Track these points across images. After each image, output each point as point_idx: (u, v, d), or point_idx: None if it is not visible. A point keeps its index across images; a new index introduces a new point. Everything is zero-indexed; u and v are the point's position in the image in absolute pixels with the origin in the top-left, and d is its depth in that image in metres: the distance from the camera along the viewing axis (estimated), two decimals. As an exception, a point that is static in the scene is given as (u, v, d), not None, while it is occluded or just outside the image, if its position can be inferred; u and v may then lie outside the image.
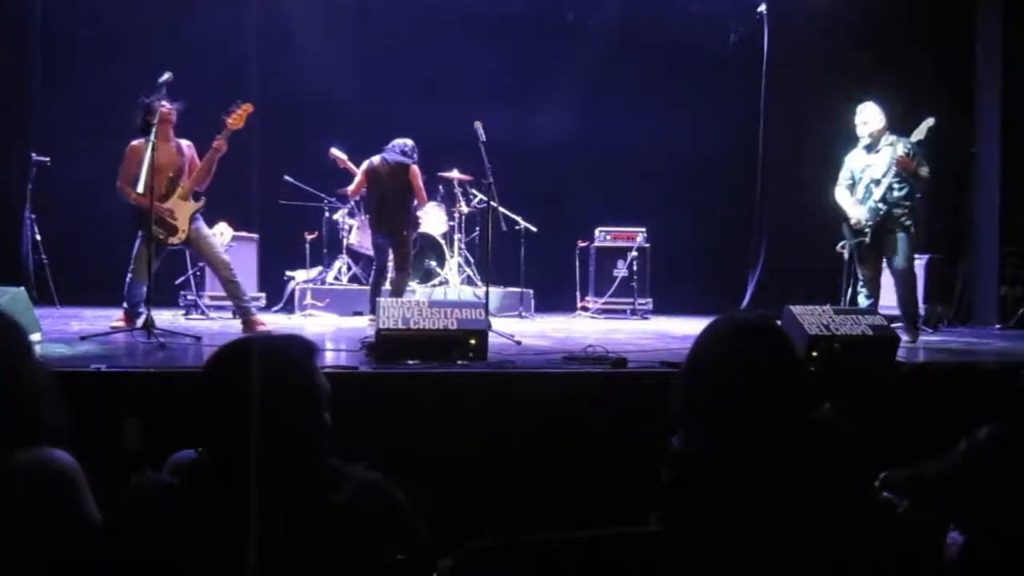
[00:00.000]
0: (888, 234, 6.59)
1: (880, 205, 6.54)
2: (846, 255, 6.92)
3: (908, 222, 6.58)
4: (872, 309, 5.99)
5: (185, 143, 6.28)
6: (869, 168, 6.66)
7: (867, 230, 6.62)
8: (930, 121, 6.56)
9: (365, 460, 2.01)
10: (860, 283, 6.83)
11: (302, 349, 2.03)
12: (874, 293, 6.75)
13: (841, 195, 6.83)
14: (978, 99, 9.10)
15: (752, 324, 1.98)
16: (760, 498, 1.78)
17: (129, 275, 6.04)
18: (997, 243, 8.84)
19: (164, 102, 6.06)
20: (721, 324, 2.00)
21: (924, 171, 6.53)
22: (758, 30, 9.63)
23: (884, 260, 6.78)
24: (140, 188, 5.72)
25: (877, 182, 6.57)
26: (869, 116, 6.69)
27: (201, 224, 6.23)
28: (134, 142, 6.15)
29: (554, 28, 10.18)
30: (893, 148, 6.53)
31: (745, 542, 1.75)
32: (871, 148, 6.69)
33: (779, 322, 4.72)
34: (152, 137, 5.65)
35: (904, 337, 6.45)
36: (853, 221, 6.67)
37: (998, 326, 8.50)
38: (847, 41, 9.22)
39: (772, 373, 1.89)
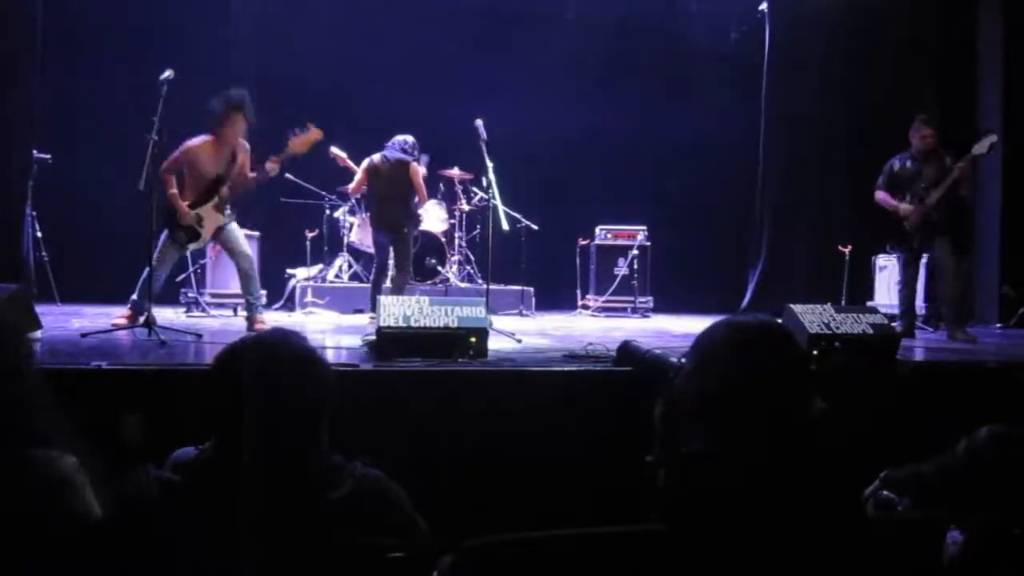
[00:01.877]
0: (935, 238, 6.85)
1: (933, 212, 6.76)
2: (896, 260, 7.14)
3: (953, 227, 6.87)
4: (874, 308, 6.00)
5: (242, 145, 6.18)
6: (917, 176, 6.91)
7: (916, 235, 6.87)
8: (992, 137, 6.85)
9: (365, 457, 2.01)
10: (903, 285, 7.07)
11: (304, 347, 2.04)
12: (912, 295, 7.03)
13: (884, 197, 7.05)
14: (979, 97, 9.10)
15: (758, 328, 1.97)
16: (755, 497, 1.78)
17: (149, 268, 5.99)
18: (998, 242, 8.84)
19: (239, 117, 5.98)
20: (725, 327, 1.99)
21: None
22: (759, 28, 9.62)
23: (928, 262, 7.15)
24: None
25: (927, 189, 6.80)
26: (926, 129, 6.94)
27: (228, 227, 6.25)
28: (195, 141, 6.07)
29: (555, 25, 10.18)
30: (942, 159, 6.83)
31: (741, 541, 1.75)
32: (919, 158, 6.93)
33: (779, 320, 4.74)
34: (154, 135, 5.63)
35: (961, 336, 6.64)
36: (907, 225, 6.87)
37: (999, 325, 8.50)
38: (848, 39, 9.21)
39: (778, 377, 1.89)
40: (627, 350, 4.03)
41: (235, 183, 6.12)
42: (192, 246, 6.21)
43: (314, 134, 6.15)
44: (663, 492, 1.86)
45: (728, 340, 1.94)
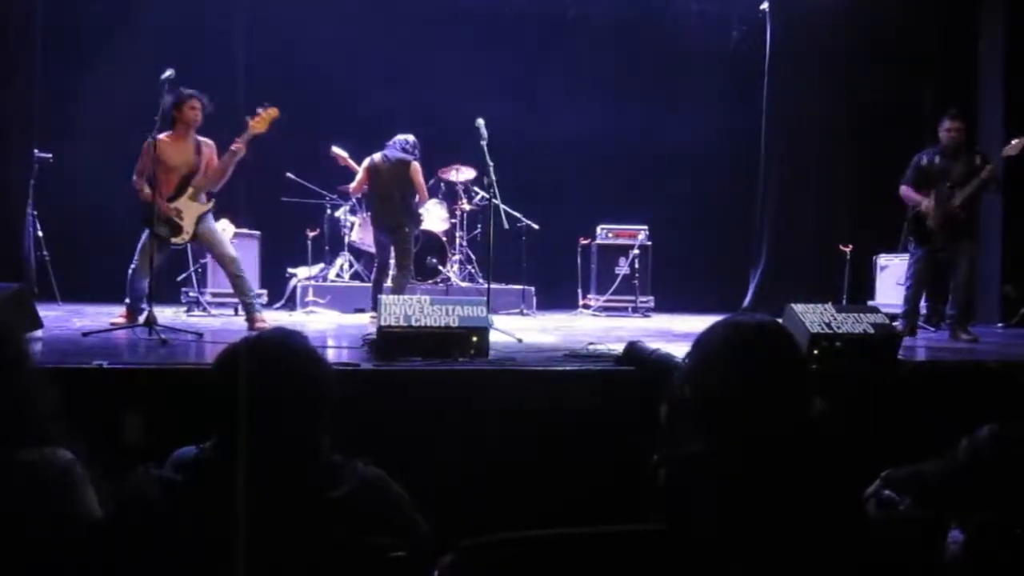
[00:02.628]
0: (959, 240, 6.79)
1: (959, 211, 6.71)
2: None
3: (976, 230, 6.93)
4: (875, 308, 6.00)
5: (205, 142, 6.22)
6: (944, 173, 6.83)
7: (938, 235, 6.80)
8: None
9: (365, 456, 2.01)
10: (912, 284, 6.99)
11: (306, 347, 2.04)
12: (918, 294, 7.01)
13: (908, 192, 6.98)
14: (981, 95, 9.09)
15: (757, 328, 1.97)
16: (755, 496, 1.78)
17: (131, 269, 6.04)
18: (1000, 241, 8.84)
19: (192, 100, 6.05)
20: (724, 327, 1.99)
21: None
22: (760, 27, 9.62)
23: (947, 262, 7.00)
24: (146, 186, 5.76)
25: (953, 188, 6.73)
26: (950, 123, 6.86)
27: (209, 218, 6.23)
28: (153, 137, 6.12)
29: (556, 25, 10.18)
30: (972, 158, 6.77)
31: (741, 541, 1.75)
32: (949, 155, 6.85)
33: (780, 320, 4.73)
34: (154, 134, 5.67)
35: (964, 336, 6.63)
36: (929, 221, 6.80)
37: (1000, 325, 8.49)
38: (849, 39, 9.21)
39: (777, 377, 1.89)
40: (634, 350, 4.02)
41: (207, 175, 6.14)
42: (176, 240, 6.19)
43: (271, 112, 6.18)
44: (663, 491, 1.86)
45: (727, 340, 1.94)
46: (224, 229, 7.85)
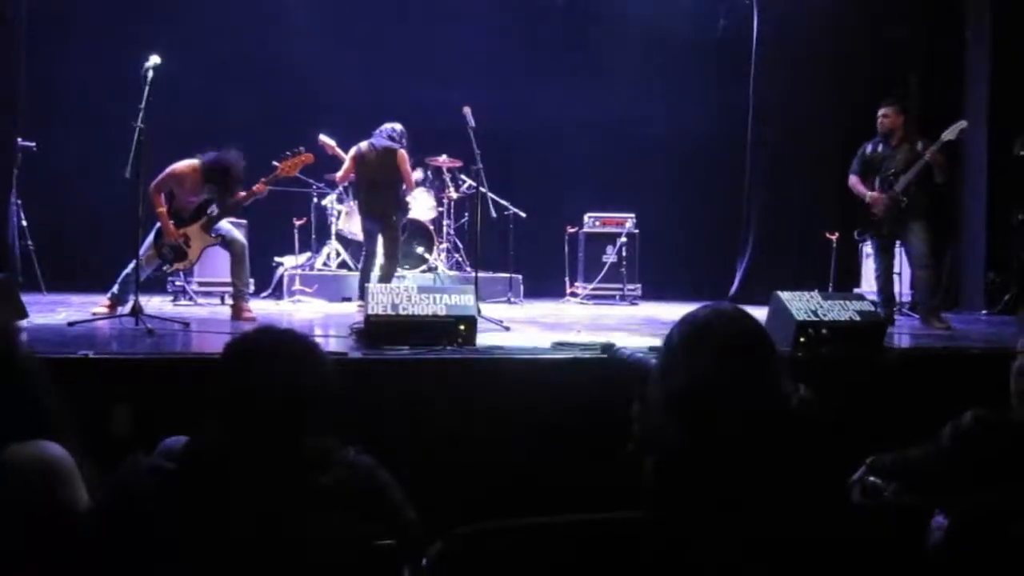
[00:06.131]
0: (907, 224, 6.77)
1: (902, 197, 6.70)
2: (867, 247, 7.08)
3: (926, 213, 6.80)
4: (861, 295, 6.02)
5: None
6: (887, 161, 6.84)
7: (886, 221, 6.79)
8: (962, 124, 6.80)
9: (355, 445, 2.02)
10: (881, 274, 7.00)
11: (308, 342, 2.05)
12: (889, 282, 6.99)
13: (855, 183, 6.99)
14: (967, 83, 9.12)
15: (708, 319, 1.97)
16: (736, 485, 1.79)
17: (131, 266, 5.94)
18: (984, 229, 8.88)
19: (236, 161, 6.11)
20: (680, 324, 2.00)
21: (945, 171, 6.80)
22: (748, 15, 9.62)
23: (904, 249, 7.03)
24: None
25: (896, 175, 6.73)
26: (891, 112, 6.88)
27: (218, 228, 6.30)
28: (181, 166, 6.11)
29: (544, 13, 10.16)
30: (913, 144, 6.74)
31: (726, 531, 1.76)
32: (889, 142, 6.87)
33: (767, 307, 4.75)
34: (141, 123, 5.58)
35: (937, 324, 6.58)
36: (874, 210, 6.80)
37: (984, 312, 8.55)
38: (835, 27, 9.22)
39: (740, 361, 1.89)
40: (612, 355, 3.99)
41: (224, 206, 6.18)
42: (177, 265, 6.25)
43: (304, 158, 6.30)
44: (649, 487, 1.87)
45: (683, 335, 1.94)
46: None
